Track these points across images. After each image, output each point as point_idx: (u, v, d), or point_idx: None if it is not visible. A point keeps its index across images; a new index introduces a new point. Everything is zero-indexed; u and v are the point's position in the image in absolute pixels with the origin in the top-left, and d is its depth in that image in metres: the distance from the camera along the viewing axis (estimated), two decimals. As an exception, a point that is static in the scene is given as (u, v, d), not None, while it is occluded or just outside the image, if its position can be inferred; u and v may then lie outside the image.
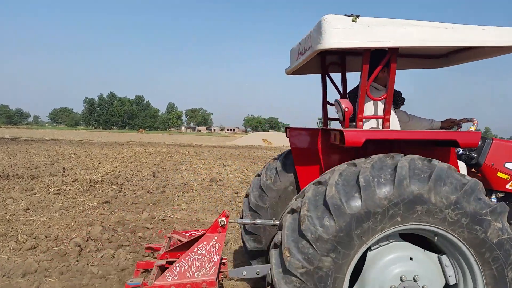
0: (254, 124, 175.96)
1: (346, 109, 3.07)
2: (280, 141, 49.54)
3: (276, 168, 3.94)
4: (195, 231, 4.35)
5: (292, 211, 2.64)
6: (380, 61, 2.96)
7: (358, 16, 2.68)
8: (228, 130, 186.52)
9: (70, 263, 4.71)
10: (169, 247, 3.89)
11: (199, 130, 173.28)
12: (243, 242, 4.03)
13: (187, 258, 3.00)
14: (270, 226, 3.66)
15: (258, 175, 4.10)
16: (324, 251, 2.35)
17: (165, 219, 7.02)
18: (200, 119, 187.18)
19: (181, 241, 4.01)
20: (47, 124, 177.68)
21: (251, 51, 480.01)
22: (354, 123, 3.14)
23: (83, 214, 7.19)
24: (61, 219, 6.75)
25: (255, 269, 3.11)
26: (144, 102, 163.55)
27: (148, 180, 11.60)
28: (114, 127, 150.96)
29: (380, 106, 3.34)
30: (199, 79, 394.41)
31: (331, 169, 2.75)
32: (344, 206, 2.36)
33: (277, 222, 3.38)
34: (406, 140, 2.89)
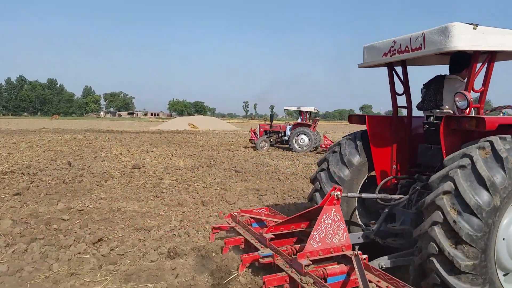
0: (180, 109, 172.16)
1: (471, 100, 3.65)
2: (207, 125, 49.34)
3: (355, 147, 4.59)
4: (259, 208, 4.95)
5: (444, 192, 3.04)
6: (466, 61, 3.87)
7: (477, 25, 3.31)
8: (152, 114, 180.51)
9: (-25, 262, 4.35)
10: (241, 225, 4.43)
11: (120, 115, 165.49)
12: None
13: (319, 228, 3.40)
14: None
15: (334, 151, 4.70)
16: (486, 219, 2.87)
17: (82, 210, 6.72)
18: (121, 104, 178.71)
19: (254, 218, 4.67)
20: None
21: (173, 34, 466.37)
22: (438, 110, 4.22)
23: (-10, 208, 6.64)
24: (-38, 215, 6.16)
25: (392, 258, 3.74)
26: (58, 86, 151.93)
27: (63, 169, 10.93)
28: (25, 114, 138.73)
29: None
30: (118, 61, 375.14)
31: (462, 150, 3.25)
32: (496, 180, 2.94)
33: (379, 196, 4.24)
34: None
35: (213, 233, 4.70)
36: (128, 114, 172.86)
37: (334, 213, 3.48)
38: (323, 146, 19.60)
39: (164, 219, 6.41)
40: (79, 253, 4.76)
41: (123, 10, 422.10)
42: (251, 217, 4.71)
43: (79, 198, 7.65)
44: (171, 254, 4.73)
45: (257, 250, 3.72)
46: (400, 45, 3.92)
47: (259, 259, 3.53)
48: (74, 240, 5.12)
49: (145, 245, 5.15)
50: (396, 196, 4.19)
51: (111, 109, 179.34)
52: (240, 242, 4.26)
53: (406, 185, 4.53)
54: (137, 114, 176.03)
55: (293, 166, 13.57)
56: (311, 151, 19.27)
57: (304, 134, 19.30)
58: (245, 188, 9.19)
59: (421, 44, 3.62)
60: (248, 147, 20.46)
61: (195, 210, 7.03)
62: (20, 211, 6.46)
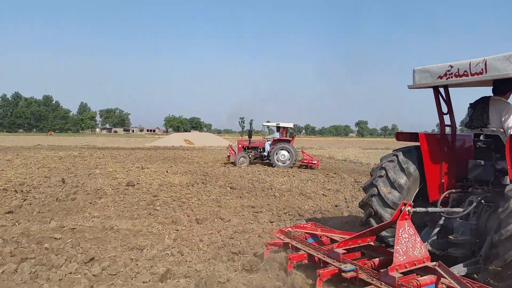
0: (176, 125, 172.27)
1: None
2: (202, 141, 49.29)
3: (401, 169, 4.98)
4: (306, 224, 5.41)
5: None
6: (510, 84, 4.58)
7: None
8: (148, 131, 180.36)
9: (-39, 284, 4.26)
10: (298, 241, 4.71)
11: (116, 132, 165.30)
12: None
13: (400, 242, 3.66)
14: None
15: (380, 176, 5.03)
16: None
17: (75, 228, 6.62)
18: (117, 120, 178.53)
19: (310, 234, 5.01)
20: None
21: (169, 50, 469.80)
22: (486, 129, 4.70)
23: (-20, 228, 6.54)
24: (-48, 234, 6.05)
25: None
26: (53, 102, 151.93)
27: (57, 186, 10.82)
28: (20, 130, 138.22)
29: None
30: (114, 78, 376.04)
31: None
32: None
33: (443, 209, 4.51)
34: None
35: (268, 249, 4.88)
36: (124, 130, 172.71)
37: (408, 227, 3.76)
38: (305, 161, 19.86)
39: (157, 237, 6.32)
40: (70, 273, 4.67)
41: (118, 27, 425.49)
42: (306, 233, 5.04)
43: (72, 216, 7.55)
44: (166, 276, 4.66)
45: (326, 264, 4.04)
46: (458, 69, 4.30)
47: (342, 274, 3.75)
48: (65, 260, 5.02)
49: (137, 264, 5.07)
50: (458, 209, 4.56)
51: (107, 126, 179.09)
52: (304, 257, 4.47)
53: (457, 198, 4.96)
54: (133, 131, 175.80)
55: (289, 182, 13.53)
56: (291, 167, 19.35)
57: (285, 150, 19.35)
58: (240, 205, 9.13)
59: (482, 70, 4.02)
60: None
61: (189, 228, 6.96)
62: (11, 230, 6.36)
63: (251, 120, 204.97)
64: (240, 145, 20.44)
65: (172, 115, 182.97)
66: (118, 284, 4.44)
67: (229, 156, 20.76)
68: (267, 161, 20.06)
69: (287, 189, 11.87)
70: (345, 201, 10.07)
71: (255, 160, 20.90)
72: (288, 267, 4.37)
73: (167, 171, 15.46)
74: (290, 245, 4.78)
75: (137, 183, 11.75)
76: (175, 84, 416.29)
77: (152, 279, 4.58)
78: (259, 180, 13.82)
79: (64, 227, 6.66)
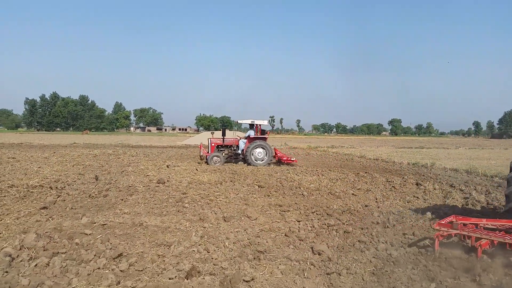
0: (206, 123, 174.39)
1: None
2: (232, 140, 49.47)
3: None
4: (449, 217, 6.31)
5: None
6: None
7: None
8: (180, 129, 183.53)
9: (-2, 275, 4.43)
10: (470, 231, 5.60)
11: (149, 130, 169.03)
12: None
13: None
14: None
15: None
16: None
17: (105, 224, 6.79)
18: (150, 119, 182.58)
19: (474, 224, 5.97)
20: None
21: (199, 50, 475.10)
22: None
23: (17, 222, 6.82)
24: (-9, 228, 6.33)
25: None
26: (89, 102, 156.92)
27: (90, 183, 11.15)
28: (58, 129, 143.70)
29: None
30: (148, 78, 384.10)
31: None
32: None
33: None
34: None
35: (438, 240, 5.61)
36: (157, 129, 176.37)
37: None
38: (284, 159, 19.53)
39: (185, 234, 6.38)
40: (99, 268, 4.78)
41: (151, 29, 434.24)
42: (471, 223, 5.98)
43: (103, 213, 7.75)
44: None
45: None
46: None
47: None
48: (94, 255, 5.15)
49: (164, 261, 5.13)
50: None
51: (141, 125, 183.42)
52: (488, 244, 5.35)
53: None
54: (166, 129, 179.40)
55: (317, 181, 13.37)
56: (269, 164, 18.90)
57: (262, 148, 18.91)
58: (268, 204, 9.09)
59: None
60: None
61: (216, 225, 6.99)
62: (45, 225, 6.59)
63: (281, 119, 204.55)
64: (213, 144, 19.68)
65: (203, 114, 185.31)
66: (144, 280, 4.51)
67: (202, 155, 19.97)
68: (241, 159, 19.49)
69: (315, 188, 11.73)
70: (376, 201, 9.85)
71: (228, 159, 19.99)
72: (478, 253, 5.17)
73: (196, 169, 15.61)
74: (463, 235, 5.67)
75: (167, 181, 11.93)
76: (206, 83, 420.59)
77: (178, 276, 4.62)
78: (287, 178, 13.73)
79: (95, 223, 6.84)
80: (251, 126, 20.46)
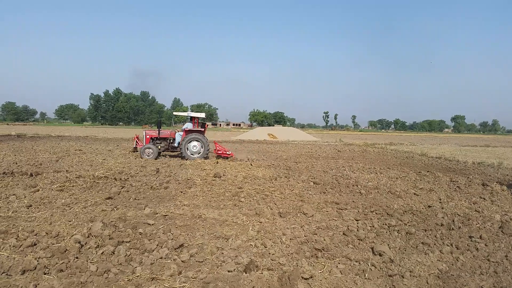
0: (260, 119, 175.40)
1: None
2: (286, 136, 49.43)
3: None
4: None
5: None
6: None
7: None
8: (234, 125, 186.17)
9: (70, 260, 4.71)
10: None
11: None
12: None
13: None
14: None
15: None
16: None
17: (166, 215, 7.02)
18: (206, 114, 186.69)
19: None
20: (53, 121, 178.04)
21: (257, 48, 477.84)
22: None
23: (85, 211, 7.21)
24: (62, 215, 6.76)
25: None
26: (150, 97, 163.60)
27: (152, 175, 11.60)
28: (120, 123, 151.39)
29: None
30: (205, 75, 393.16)
31: None
32: None
33: None
34: None
35: None
36: (212, 124, 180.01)
37: None
38: (220, 152, 18.93)
39: (242, 228, 6.43)
40: (161, 257, 4.94)
41: (200, 31, 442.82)
42: None
43: (164, 204, 8.01)
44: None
45: None
46: None
47: None
48: (157, 245, 5.33)
49: (223, 253, 5.19)
50: None
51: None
52: None
53: None
54: (220, 124, 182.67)
55: (376, 179, 12.94)
56: (205, 157, 18.06)
57: (196, 141, 18.11)
58: (324, 201, 8.93)
59: None
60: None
61: (272, 221, 6.97)
62: (110, 214, 6.92)
63: (336, 115, 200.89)
64: (148, 136, 19.05)
65: (257, 110, 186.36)
66: (204, 271, 4.58)
67: (136, 147, 19.51)
68: (177, 152, 18.88)
69: (373, 187, 11.35)
70: (440, 202, 9.34)
71: (165, 152, 19.43)
72: None
73: (251, 164, 15.72)
74: None
75: (223, 175, 12.11)
76: (260, 80, 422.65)
77: (237, 269, 4.65)
78: (343, 176, 13.42)
79: (157, 213, 7.09)
80: (190, 118, 19.89)
